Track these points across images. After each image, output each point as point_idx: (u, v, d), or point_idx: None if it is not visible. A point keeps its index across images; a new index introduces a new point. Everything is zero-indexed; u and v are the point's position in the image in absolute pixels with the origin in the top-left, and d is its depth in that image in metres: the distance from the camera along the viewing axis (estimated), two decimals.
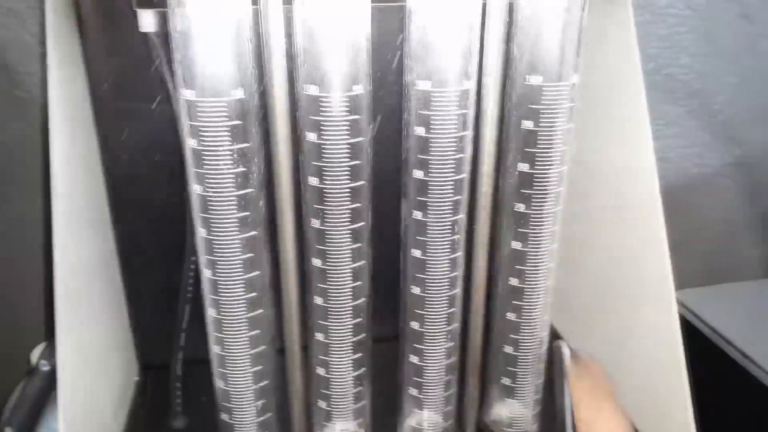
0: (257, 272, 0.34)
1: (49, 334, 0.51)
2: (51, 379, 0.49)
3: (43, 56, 0.36)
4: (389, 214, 0.38)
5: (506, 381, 0.41)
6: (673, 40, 0.68)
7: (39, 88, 0.55)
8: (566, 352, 0.40)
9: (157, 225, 0.48)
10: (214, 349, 0.36)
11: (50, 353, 0.49)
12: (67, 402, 0.34)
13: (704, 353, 0.51)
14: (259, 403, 0.37)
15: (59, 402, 0.34)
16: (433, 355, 0.39)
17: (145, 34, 0.35)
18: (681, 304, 0.56)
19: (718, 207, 0.78)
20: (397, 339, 0.41)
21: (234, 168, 0.31)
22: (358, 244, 0.35)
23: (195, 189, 0.32)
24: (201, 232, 0.33)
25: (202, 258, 0.34)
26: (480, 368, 0.42)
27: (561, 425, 0.42)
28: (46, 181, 0.54)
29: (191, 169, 0.32)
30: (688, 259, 0.78)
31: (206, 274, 0.34)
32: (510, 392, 0.42)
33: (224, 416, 0.38)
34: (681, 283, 0.47)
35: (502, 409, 0.43)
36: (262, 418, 0.38)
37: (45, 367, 0.49)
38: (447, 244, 0.36)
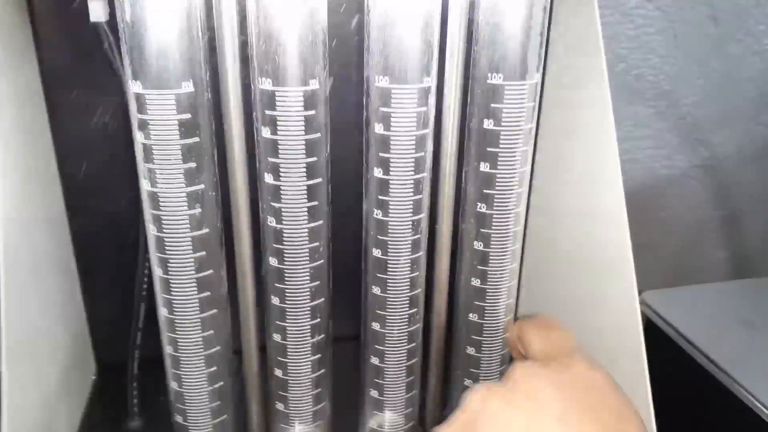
0: (210, 271, 0.33)
1: None
2: None
3: None
4: (350, 212, 0.37)
5: (468, 382, 0.41)
6: (642, 41, 0.68)
7: None
8: None
9: (114, 222, 0.46)
10: (168, 349, 0.35)
11: None
12: (13, 404, 0.33)
13: (667, 354, 0.51)
14: (215, 405, 0.36)
15: (3, 405, 0.32)
16: (395, 357, 0.38)
17: (95, 24, 0.34)
18: (645, 304, 0.56)
19: (685, 208, 0.79)
20: (359, 338, 0.40)
21: (184, 163, 0.30)
22: (316, 243, 0.34)
23: (144, 185, 0.31)
24: (152, 230, 0.32)
25: (154, 256, 0.33)
26: (442, 370, 0.42)
27: None
28: None
29: (141, 165, 0.31)
30: (654, 260, 0.79)
31: (158, 272, 0.33)
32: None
33: (178, 418, 0.37)
34: (646, 284, 0.47)
35: None
36: (217, 420, 0.37)
37: None
38: (408, 244, 0.35)
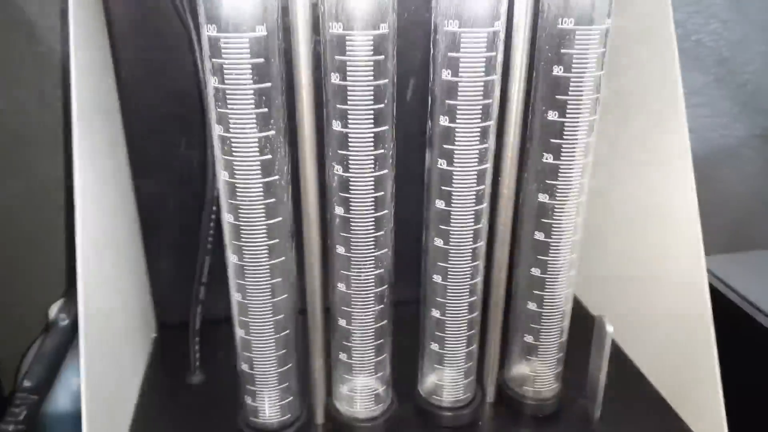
0: (279, 219, 0.34)
1: (67, 289, 0.51)
2: (69, 333, 0.50)
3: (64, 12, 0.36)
4: (412, 166, 0.37)
5: (529, 339, 0.41)
6: (702, 5, 0.66)
7: (59, 43, 0.54)
8: (610, 327, 0.39)
9: (176, 181, 0.48)
10: (236, 297, 0.36)
11: (69, 308, 0.50)
12: (90, 356, 0.34)
13: (730, 319, 0.50)
14: (280, 353, 0.37)
15: (81, 356, 0.33)
16: (456, 309, 0.38)
17: None
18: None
19: (741, 178, 0.77)
20: (416, 303, 0.40)
21: (256, 108, 0.31)
22: (381, 192, 0.34)
23: (217, 130, 0.32)
24: (223, 175, 0.32)
25: (225, 204, 0.33)
26: (502, 325, 0.42)
27: (592, 394, 0.41)
28: (67, 138, 0.55)
29: (213, 110, 0.31)
30: (710, 229, 0.78)
31: (228, 219, 0.34)
32: (532, 350, 0.41)
33: (244, 366, 0.38)
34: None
35: (523, 368, 0.42)
36: (282, 369, 0.37)
37: (63, 322, 0.50)
38: (472, 195, 0.35)
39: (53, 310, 0.53)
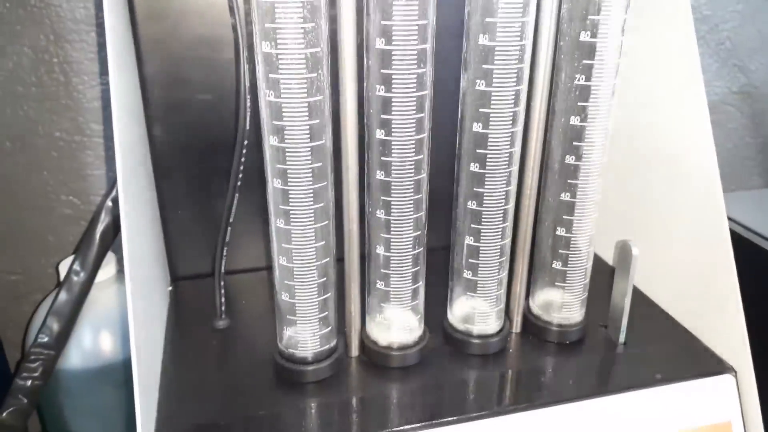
0: (324, 182, 0.35)
1: (79, 245, 0.50)
2: (85, 289, 0.49)
3: None
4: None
5: (556, 264, 0.42)
6: None
7: None
8: (635, 251, 0.40)
9: (190, 135, 0.48)
10: (280, 260, 0.37)
11: (83, 263, 0.49)
12: (135, 306, 0.34)
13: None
14: (321, 281, 0.37)
15: (129, 305, 0.33)
16: (490, 234, 0.39)
17: None
18: None
19: (722, 136, 0.80)
20: (445, 249, 0.42)
21: (308, 73, 0.32)
22: (420, 156, 0.36)
23: (267, 95, 0.32)
24: (272, 140, 0.33)
25: (274, 169, 0.34)
26: (530, 252, 0.43)
27: (615, 320, 0.43)
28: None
29: (264, 76, 0.32)
30: None
31: (276, 184, 0.34)
32: (559, 277, 0.42)
33: (284, 296, 0.38)
34: None
35: (550, 295, 0.43)
36: (322, 297, 0.38)
37: (78, 276, 0.49)
38: (509, 116, 0.36)
39: (64, 267, 0.51)
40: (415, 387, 0.39)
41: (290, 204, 0.35)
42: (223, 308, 0.45)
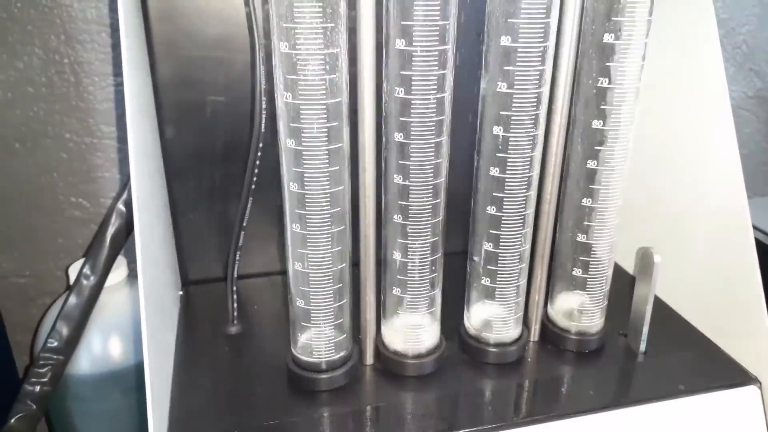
0: (341, 187, 0.34)
1: (89, 249, 0.49)
2: (95, 293, 0.48)
3: None
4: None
5: (577, 272, 0.41)
6: None
7: None
8: (657, 258, 0.39)
9: (203, 140, 0.47)
10: (296, 266, 0.36)
11: (93, 267, 0.48)
12: (148, 311, 0.33)
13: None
14: (336, 287, 0.36)
15: (142, 309, 0.33)
16: (509, 240, 0.38)
17: None
18: None
19: (738, 140, 0.79)
20: (461, 254, 0.41)
21: (325, 75, 0.31)
22: (440, 160, 0.35)
23: (285, 96, 0.32)
24: (288, 143, 0.33)
25: (290, 172, 0.33)
26: (549, 259, 0.42)
27: (636, 328, 0.42)
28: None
29: (281, 78, 0.31)
30: None
31: (292, 188, 0.34)
32: (579, 284, 0.41)
33: (299, 302, 0.37)
34: None
35: (570, 302, 0.42)
36: (337, 304, 0.37)
37: (88, 280, 0.48)
38: (530, 119, 0.35)
39: (73, 270, 0.51)
40: (430, 397, 0.39)
41: (306, 208, 0.34)
42: (235, 313, 0.45)
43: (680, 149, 0.47)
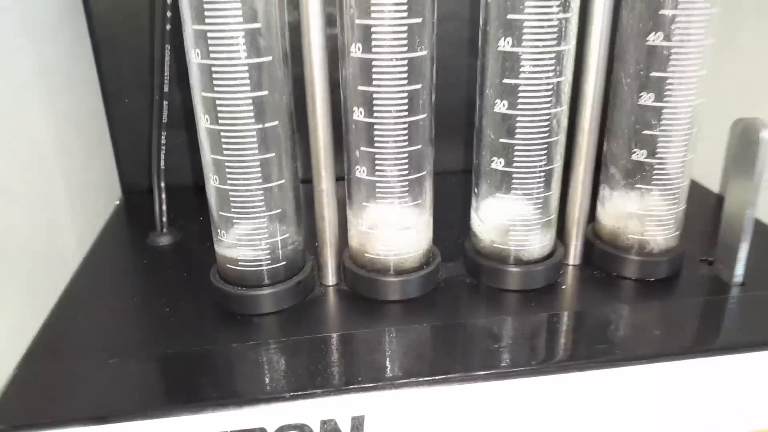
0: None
1: None
2: None
3: None
4: None
5: (637, 155, 0.27)
6: None
7: None
8: (765, 133, 0.26)
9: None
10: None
11: None
12: None
13: None
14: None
15: None
16: (533, 98, 0.25)
17: None
18: None
19: None
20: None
21: None
22: None
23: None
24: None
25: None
26: (597, 145, 0.28)
27: (731, 250, 0.28)
28: None
29: None
30: None
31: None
32: (644, 176, 0.28)
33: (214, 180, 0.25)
34: None
35: (627, 205, 0.29)
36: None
37: None
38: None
39: None
40: (413, 331, 0.26)
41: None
42: (163, 219, 0.33)
43: None
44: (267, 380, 0.23)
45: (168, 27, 0.30)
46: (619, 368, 0.24)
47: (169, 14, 0.30)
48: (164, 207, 0.33)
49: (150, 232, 0.33)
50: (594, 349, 0.25)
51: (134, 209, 0.38)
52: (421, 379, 0.23)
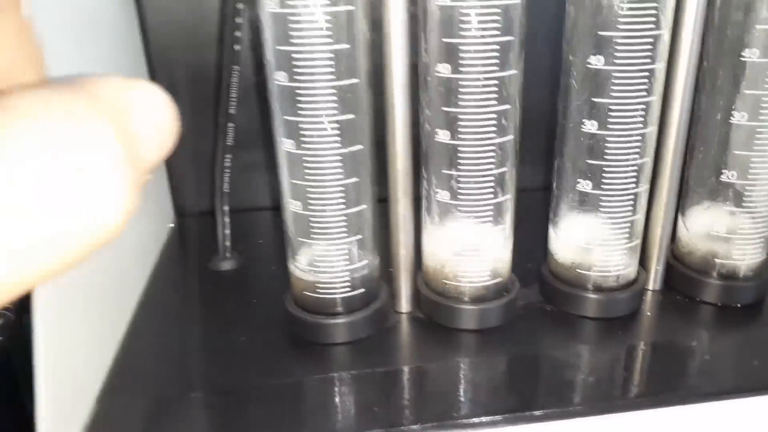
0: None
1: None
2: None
3: None
4: None
5: (726, 176, 0.26)
6: None
7: None
8: None
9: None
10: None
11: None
12: None
13: None
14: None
15: None
16: (622, 117, 0.24)
17: None
18: None
19: None
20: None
21: None
22: None
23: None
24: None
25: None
26: (681, 165, 0.27)
27: None
28: None
29: None
30: None
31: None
32: (733, 196, 0.27)
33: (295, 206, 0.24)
34: None
35: (713, 226, 0.28)
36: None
37: None
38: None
39: None
40: (492, 363, 0.25)
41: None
42: (227, 244, 0.33)
43: None
44: (353, 413, 0.22)
45: (237, 47, 0.30)
46: (719, 402, 0.23)
47: (237, 33, 0.29)
48: (227, 231, 0.33)
49: (213, 256, 0.33)
50: (691, 381, 0.24)
51: (189, 233, 0.38)
52: (507, 415, 0.22)
